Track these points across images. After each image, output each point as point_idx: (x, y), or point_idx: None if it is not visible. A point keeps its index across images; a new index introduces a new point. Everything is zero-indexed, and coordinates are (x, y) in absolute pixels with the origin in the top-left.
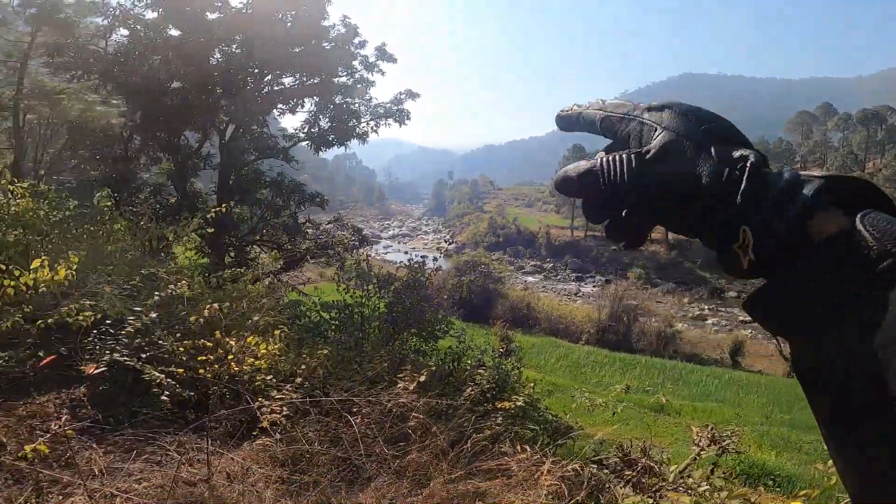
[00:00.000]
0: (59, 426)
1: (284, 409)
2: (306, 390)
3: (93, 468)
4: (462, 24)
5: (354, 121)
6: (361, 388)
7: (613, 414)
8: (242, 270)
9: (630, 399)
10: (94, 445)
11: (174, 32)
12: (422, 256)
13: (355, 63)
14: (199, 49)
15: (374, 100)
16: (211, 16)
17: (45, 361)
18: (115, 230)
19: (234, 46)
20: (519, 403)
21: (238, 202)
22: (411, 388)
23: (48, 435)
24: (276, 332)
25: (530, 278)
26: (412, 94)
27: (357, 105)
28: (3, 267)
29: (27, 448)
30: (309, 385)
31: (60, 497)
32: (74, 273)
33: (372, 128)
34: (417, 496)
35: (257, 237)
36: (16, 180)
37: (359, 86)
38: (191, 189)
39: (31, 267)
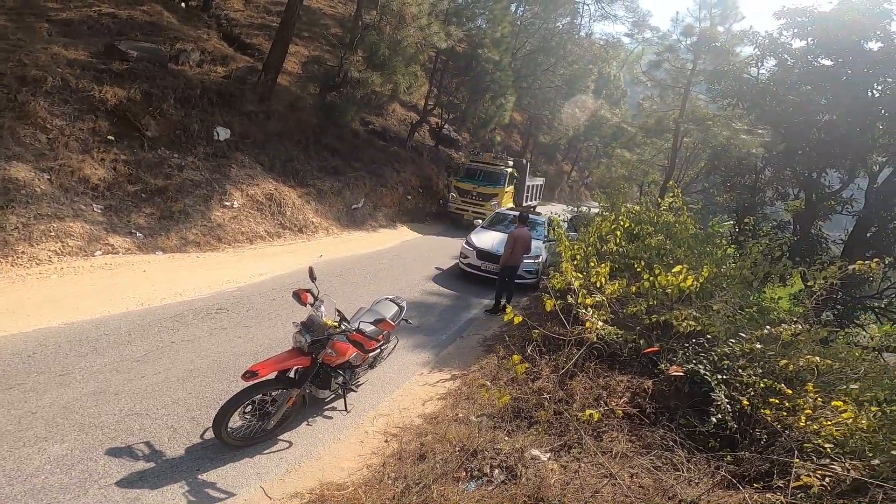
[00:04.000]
0: (616, 404)
1: (827, 477)
2: (868, 470)
3: (613, 447)
4: None
5: None
6: None
7: None
8: (844, 332)
9: None
10: (626, 430)
11: (825, 62)
12: None
13: None
14: (855, 80)
15: None
16: (870, 45)
17: (648, 350)
18: (727, 256)
19: None
20: None
21: (873, 258)
22: None
23: (604, 407)
24: (874, 408)
25: None
26: None
27: None
28: (644, 263)
29: (587, 411)
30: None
31: (575, 461)
32: (698, 284)
33: None
34: None
35: (878, 304)
36: (675, 194)
37: None
38: (816, 232)
39: (673, 270)
